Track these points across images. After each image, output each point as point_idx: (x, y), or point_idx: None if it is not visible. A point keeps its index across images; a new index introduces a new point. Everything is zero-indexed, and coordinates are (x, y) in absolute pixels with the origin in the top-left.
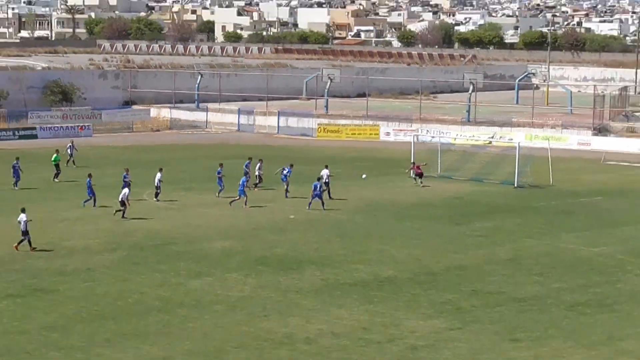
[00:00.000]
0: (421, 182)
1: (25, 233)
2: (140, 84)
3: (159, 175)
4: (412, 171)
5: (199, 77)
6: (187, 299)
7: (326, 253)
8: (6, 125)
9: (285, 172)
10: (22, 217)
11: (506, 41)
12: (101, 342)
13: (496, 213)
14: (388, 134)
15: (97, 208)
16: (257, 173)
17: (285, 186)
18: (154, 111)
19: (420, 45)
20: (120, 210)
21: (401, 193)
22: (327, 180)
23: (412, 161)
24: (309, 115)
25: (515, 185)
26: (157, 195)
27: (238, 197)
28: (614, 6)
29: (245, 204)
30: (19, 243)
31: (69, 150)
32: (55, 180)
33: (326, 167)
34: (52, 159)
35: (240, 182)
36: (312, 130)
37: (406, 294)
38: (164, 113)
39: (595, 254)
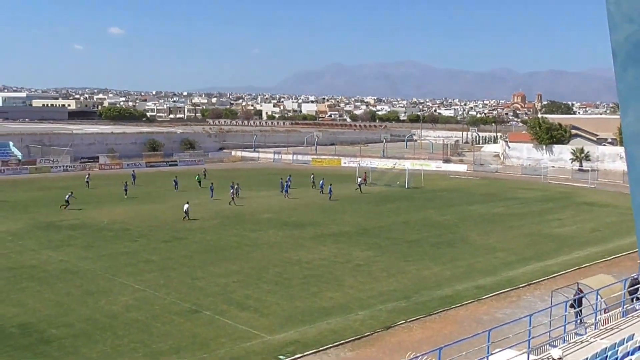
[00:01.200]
0: (360, 187)
1: (186, 213)
2: (227, 139)
3: (234, 185)
4: (360, 179)
5: (255, 136)
6: (248, 242)
7: (316, 220)
8: (162, 159)
9: (287, 182)
10: (186, 206)
11: (401, 118)
12: (208, 263)
13: (397, 200)
14: (345, 162)
15: (212, 200)
16: (231, 191)
17: (286, 190)
18: (233, 152)
19: (360, 121)
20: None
21: (351, 191)
22: (322, 184)
23: (363, 175)
24: (307, 153)
25: (406, 187)
26: (236, 193)
27: (285, 194)
28: (451, 102)
29: (286, 197)
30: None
31: (203, 172)
32: (201, 186)
33: (313, 175)
34: (196, 178)
35: (285, 186)
36: (309, 160)
37: (354, 239)
38: (238, 153)
39: (445, 220)
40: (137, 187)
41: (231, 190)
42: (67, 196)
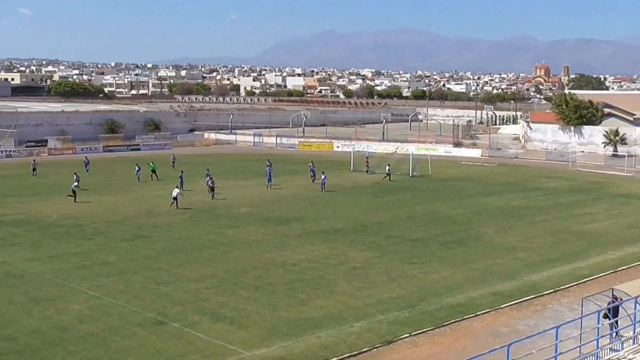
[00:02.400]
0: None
1: (175, 199)
2: (198, 119)
3: (210, 174)
4: (389, 168)
5: (231, 115)
6: (224, 241)
7: (304, 214)
8: (123, 143)
9: (268, 169)
10: (175, 191)
11: (403, 95)
12: (176, 265)
13: (399, 191)
14: (338, 147)
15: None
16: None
17: (269, 179)
18: (206, 134)
19: (355, 97)
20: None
21: (345, 180)
22: (312, 169)
23: (365, 162)
24: (293, 136)
25: (410, 175)
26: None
27: (268, 184)
28: (462, 75)
29: (269, 187)
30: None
31: (172, 160)
32: (157, 179)
33: (311, 162)
34: (151, 167)
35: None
36: (295, 145)
37: (349, 237)
38: (211, 136)
39: (456, 214)
40: (92, 176)
41: (207, 180)
42: (73, 184)
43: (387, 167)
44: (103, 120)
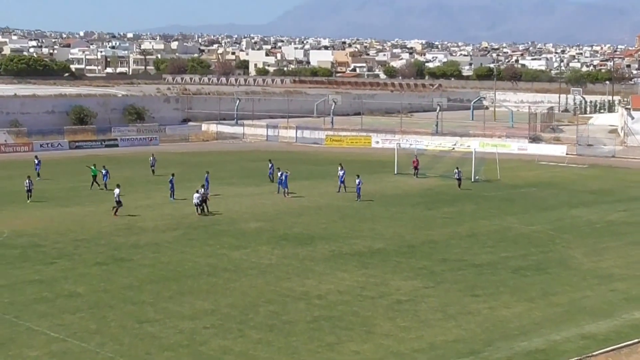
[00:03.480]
0: (460, 180)
1: (118, 203)
2: (194, 106)
3: (208, 178)
4: (459, 172)
5: (238, 101)
6: (229, 266)
7: (332, 231)
8: (95, 137)
9: (281, 174)
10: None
11: (463, 74)
12: (165, 298)
13: (458, 201)
14: (377, 142)
15: (172, 201)
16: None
17: (284, 185)
18: (204, 126)
19: (400, 77)
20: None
21: (387, 186)
22: (342, 176)
23: (413, 162)
24: (318, 128)
25: (472, 180)
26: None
27: (278, 190)
28: (541, 48)
29: (286, 195)
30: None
31: (151, 162)
32: (96, 186)
33: (339, 165)
34: (92, 171)
35: (283, 179)
36: (321, 139)
37: (392, 261)
38: (211, 127)
39: (532, 231)
40: (53, 181)
41: (204, 187)
42: (116, 195)
43: (457, 171)
44: (69, 108)
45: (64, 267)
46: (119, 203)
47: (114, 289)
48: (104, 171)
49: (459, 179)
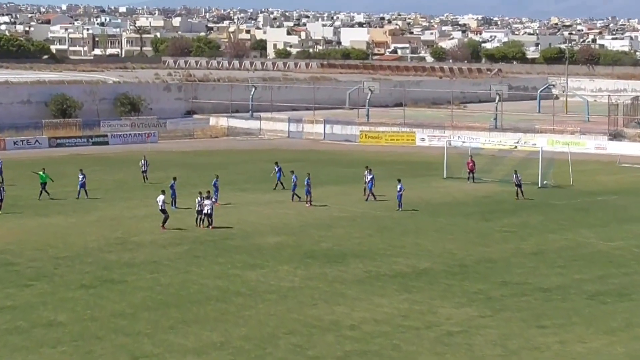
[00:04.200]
0: (520, 188)
1: (206, 214)
2: (200, 96)
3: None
4: (517, 179)
5: (253, 89)
6: (243, 289)
7: (368, 247)
8: (81, 133)
9: (306, 181)
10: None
11: (528, 56)
12: (165, 328)
13: (522, 210)
14: (423, 139)
15: (174, 210)
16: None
17: (307, 191)
18: (212, 120)
19: (450, 60)
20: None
21: (435, 192)
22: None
23: (468, 164)
24: (351, 123)
25: (539, 185)
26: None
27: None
28: (624, 25)
29: (308, 204)
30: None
31: (142, 167)
32: (45, 195)
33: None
34: (41, 178)
35: (306, 183)
36: (355, 136)
37: (441, 284)
38: (221, 121)
39: (612, 248)
40: (29, 186)
41: (213, 195)
42: (160, 203)
43: (515, 176)
44: (49, 97)
45: (42, 291)
46: (164, 212)
47: (103, 317)
48: (80, 176)
49: (519, 185)
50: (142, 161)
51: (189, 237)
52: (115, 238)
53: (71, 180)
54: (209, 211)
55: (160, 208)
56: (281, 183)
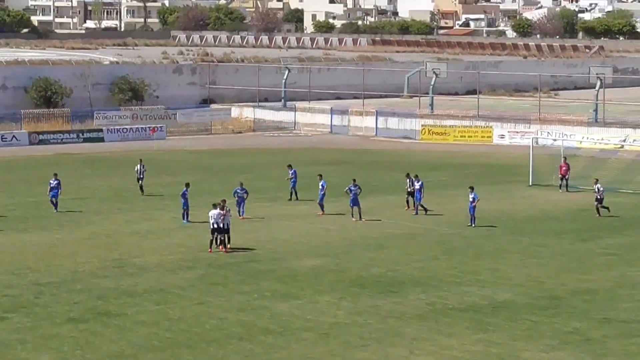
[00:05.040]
0: (601, 202)
1: (223, 230)
2: (219, 80)
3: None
4: (560, 175)
5: (286, 72)
6: (273, 325)
7: (432, 273)
8: (69, 127)
9: (352, 188)
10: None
11: (638, 30)
12: None
13: (630, 228)
14: (502, 136)
15: (185, 224)
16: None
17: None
18: (235, 111)
19: (538, 36)
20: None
21: (518, 204)
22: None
23: (561, 168)
24: (411, 115)
25: None
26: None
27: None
28: None
29: (360, 219)
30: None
31: (137, 172)
32: None
33: (413, 175)
34: None
35: (352, 194)
36: (415, 132)
37: (525, 321)
38: (246, 113)
39: None
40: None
41: (239, 204)
42: (214, 218)
43: (596, 186)
44: (29, 81)
45: (20, 325)
46: (222, 231)
47: None
48: (53, 182)
49: (599, 200)
50: (138, 166)
51: (204, 258)
52: (112, 260)
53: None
54: (226, 226)
55: (216, 226)
56: (295, 192)
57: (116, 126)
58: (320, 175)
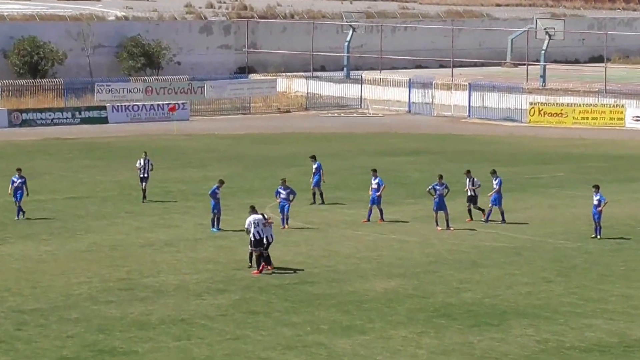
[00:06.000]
0: None
1: (259, 244)
2: (261, 43)
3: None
4: None
5: (350, 31)
6: None
7: (542, 300)
8: (62, 104)
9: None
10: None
11: None
12: None
13: None
14: (637, 118)
15: (215, 232)
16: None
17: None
18: (282, 83)
19: None
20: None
21: None
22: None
23: None
24: (515, 89)
25: None
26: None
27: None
28: None
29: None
30: (263, 263)
31: (140, 169)
32: None
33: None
34: None
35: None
36: (521, 112)
37: None
38: (296, 85)
39: None
40: None
41: (283, 209)
42: (250, 225)
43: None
44: (9, 43)
45: None
46: (258, 245)
47: None
48: (17, 179)
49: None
50: (142, 161)
51: (240, 279)
52: (118, 280)
53: (43, 186)
54: (270, 238)
55: (253, 237)
56: (320, 193)
57: (124, 103)
58: (375, 171)
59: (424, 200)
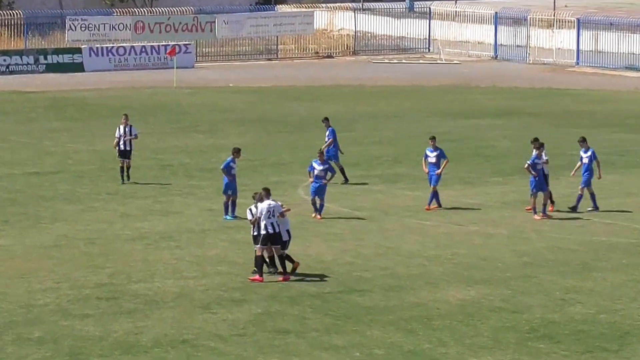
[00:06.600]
0: None
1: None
2: None
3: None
4: None
5: None
6: None
7: None
8: (21, 45)
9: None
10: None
11: None
12: None
13: None
14: None
15: (207, 215)
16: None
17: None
18: (321, 17)
19: None
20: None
21: None
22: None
23: None
24: None
25: None
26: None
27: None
28: None
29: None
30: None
31: (120, 142)
32: None
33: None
34: None
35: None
36: None
37: None
38: (341, 21)
39: None
40: None
41: (315, 192)
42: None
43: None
44: None
45: None
46: (274, 241)
47: None
48: None
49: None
50: (121, 127)
51: (262, 285)
52: (97, 285)
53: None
54: (286, 233)
55: (265, 230)
56: (340, 169)
57: (105, 44)
58: (433, 138)
59: (515, 178)
